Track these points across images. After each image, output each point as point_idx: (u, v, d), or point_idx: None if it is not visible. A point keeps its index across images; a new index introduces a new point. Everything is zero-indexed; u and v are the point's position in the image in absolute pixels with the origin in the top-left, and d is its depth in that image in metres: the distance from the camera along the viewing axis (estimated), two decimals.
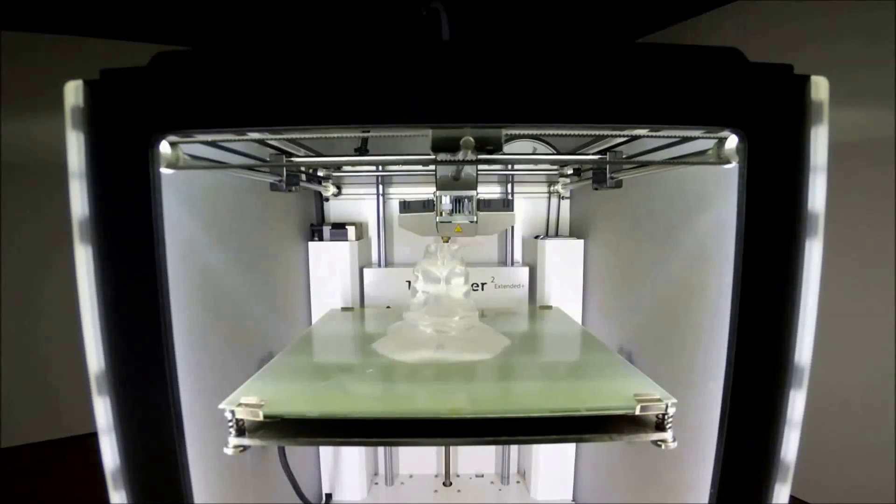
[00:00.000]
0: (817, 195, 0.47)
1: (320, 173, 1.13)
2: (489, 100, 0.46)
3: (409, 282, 0.95)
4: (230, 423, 0.53)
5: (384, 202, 1.25)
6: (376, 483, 1.31)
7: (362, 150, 1.07)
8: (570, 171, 1.12)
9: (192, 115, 0.46)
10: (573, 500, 1.23)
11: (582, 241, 1.16)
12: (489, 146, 0.55)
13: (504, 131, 0.57)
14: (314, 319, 1.14)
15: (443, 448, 1.28)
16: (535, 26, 1.70)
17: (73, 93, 0.44)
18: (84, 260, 0.46)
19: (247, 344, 0.82)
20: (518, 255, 1.29)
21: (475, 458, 1.35)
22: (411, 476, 1.35)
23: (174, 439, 0.48)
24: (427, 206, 0.79)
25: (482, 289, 1.21)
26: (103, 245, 0.46)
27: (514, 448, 1.33)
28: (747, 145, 0.46)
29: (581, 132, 0.63)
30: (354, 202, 1.27)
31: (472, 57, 0.46)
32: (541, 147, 1.11)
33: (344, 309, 1.13)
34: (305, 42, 0.46)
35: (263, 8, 1.57)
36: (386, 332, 0.83)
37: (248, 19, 1.65)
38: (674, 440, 0.53)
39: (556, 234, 1.25)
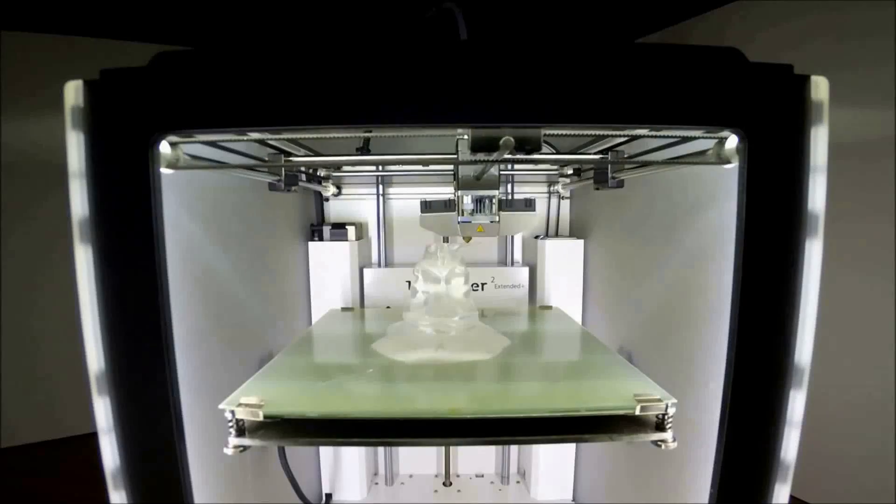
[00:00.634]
0: (817, 195, 0.47)
1: (320, 173, 1.13)
2: (487, 99, 0.46)
3: (409, 282, 0.95)
4: (230, 424, 0.53)
5: (384, 202, 1.25)
6: (376, 483, 1.31)
7: (364, 149, 1.07)
8: (570, 171, 1.12)
9: (192, 115, 0.46)
10: (573, 500, 1.23)
11: (582, 241, 1.16)
12: (528, 145, 0.54)
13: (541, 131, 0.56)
14: (314, 319, 1.14)
15: (443, 448, 1.28)
16: (534, 26, 1.70)
17: (73, 93, 0.44)
18: (84, 260, 0.46)
19: (247, 344, 0.82)
20: (518, 255, 1.29)
21: (475, 458, 1.35)
22: (411, 476, 1.35)
23: (174, 439, 0.48)
24: (448, 205, 0.79)
25: (482, 289, 1.21)
26: (103, 245, 0.46)
27: (514, 448, 1.33)
28: (747, 145, 0.46)
29: (581, 132, 0.63)
30: (354, 202, 1.27)
31: (492, 58, 0.46)
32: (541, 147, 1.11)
33: (344, 309, 1.13)
34: (306, 42, 0.46)
35: (263, 8, 1.57)
36: (386, 333, 0.83)
37: (248, 19, 1.65)
38: (674, 440, 0.53)
39: (556, 234, 1.25)
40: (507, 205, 0.78)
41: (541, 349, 0.86)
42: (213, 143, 0.64)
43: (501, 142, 0.50)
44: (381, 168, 1.16)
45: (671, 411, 0.53)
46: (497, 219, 0.75)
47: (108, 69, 0.45)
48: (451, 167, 1.05)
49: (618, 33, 1.75)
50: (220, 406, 0.53)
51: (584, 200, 1.20)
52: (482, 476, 1.34)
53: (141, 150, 0.45)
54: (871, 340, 1.23)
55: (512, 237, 1.27)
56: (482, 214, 0.75)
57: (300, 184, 1.03)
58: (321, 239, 1.16)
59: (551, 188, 1.25)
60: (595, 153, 0.82)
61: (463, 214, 0.75)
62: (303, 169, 1.00)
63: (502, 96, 0.46)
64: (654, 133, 0.65)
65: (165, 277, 0.47)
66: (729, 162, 0.54)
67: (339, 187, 1.24)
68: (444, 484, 1.29)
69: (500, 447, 1.32)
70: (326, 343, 0.89)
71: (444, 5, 0.82)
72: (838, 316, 1.22)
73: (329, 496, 1.23)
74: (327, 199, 1.27)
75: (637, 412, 0.52)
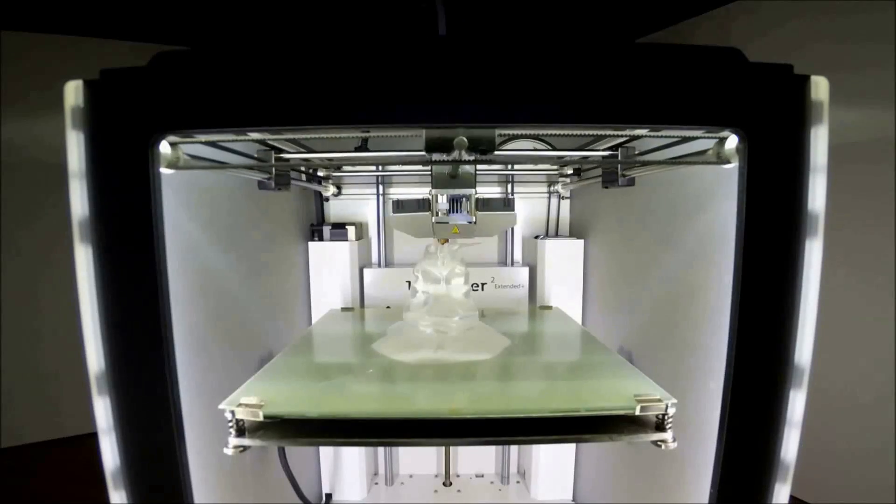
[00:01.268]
0: (817, 195, 0.47)
1: (320, 173, 1.13)
2: (485, 100, 0.46)
3: (409, 282, 0.95)
4: (230, 424, 0.53)
5: (384, 202, 1.25)
6: (376, 483, 1.31)
7: (362, 149, 1.07)
8: (570, 171, 1.12)
9: (192, 115, 0.46)
10: (573, 500, 1.23)
11: (582, 241, 1.16)
12: (482, 146, 0.54)
13: (500, 131, 0.56)
14: (314, 319, 1.14)
15: (443, 448, 1.28)
16: (535, 26, 1.70)
17: (73, 93, 0.44)
18: (84, 260, 0.46)
19: (247, 343, 0.82)
20: (518, 255, 1.29)
21: (475, 458, 1.35)
22: (411, 476, 1.34)
23: (174, 439, 0.48)
24: (422, 205, 0.74)
25: (482, 289, 1.21)
26: (103, 245, 0.46)
27: (514, 448, 1.33)
28: (747, 145, 0.46)
29: (581, 132, 0.63)
30: (354, 202, 1.27)
31: (469, 54, 0.46)
32: (540, 147, 1.11)
33: (344, 309, 1.13)
34: (306, 42, 0.46)
35: (263, 8, 1.57)
36: (386, 333, 0.83)
37: (248, 19, 1.65)
38: (674, 440, 0.53)
39: (556, 234, 1.25)
40: (483, 204, 0.73)
41: (541, 349, 0.86)
42: (212, 143, 0.64)
43: (455, 142, 0.49)
44: (380, 168, 1.16)
45: (671, 411, 0.52)
46: (474, 219, 0.70)
47: (108, 69, 0.45)
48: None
49: (618, 33, 1.75)
50: (221, 406, 0.53)
51: (584, 200, 1.20)
52: (482, 476, 1.34)
53: (141, 150, 0.45)
54: (871, 340, 1.23)
55: (512, 237, 1.27)
56: (458, 215, 0.70)
57: (300, 184, 1.03)
58: (321, 239, 1.16)
59: (551, 188, 1.25)
60: (604, 149, 0.82)
61: (438, 215, 0.70)
62: (302, 168, 1.00)
63: (503, 97, 0.46)
64: (654, 133, 0.65)
65: (165, 277, 0.47)
66: (729, 162, 0.54)
67: (339, 187, 1.24)
68: (444, 484, 1.29)
69: (500, 447, 1.32)
70: (326, 343, 0.89)
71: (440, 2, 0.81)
72: (838, 316, 1.22)
73: (329, 496, 1.23)
74: (327, 199, 1.27)
75: (637, 412, 0.52)
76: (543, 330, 0.95)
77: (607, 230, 1.07)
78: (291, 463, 0.90)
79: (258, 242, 0.91)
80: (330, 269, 1.16)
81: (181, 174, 0.57)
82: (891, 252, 1.18)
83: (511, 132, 0.77)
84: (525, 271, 1.22)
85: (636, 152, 0.79)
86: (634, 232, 0.92)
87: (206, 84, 0.46)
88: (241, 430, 0.53)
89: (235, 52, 0.46)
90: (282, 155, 0.80)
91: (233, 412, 0.53)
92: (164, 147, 0.52)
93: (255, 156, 0.79)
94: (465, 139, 0.51)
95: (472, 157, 0.57)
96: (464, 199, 0.70)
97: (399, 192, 1.26)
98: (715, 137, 0.55)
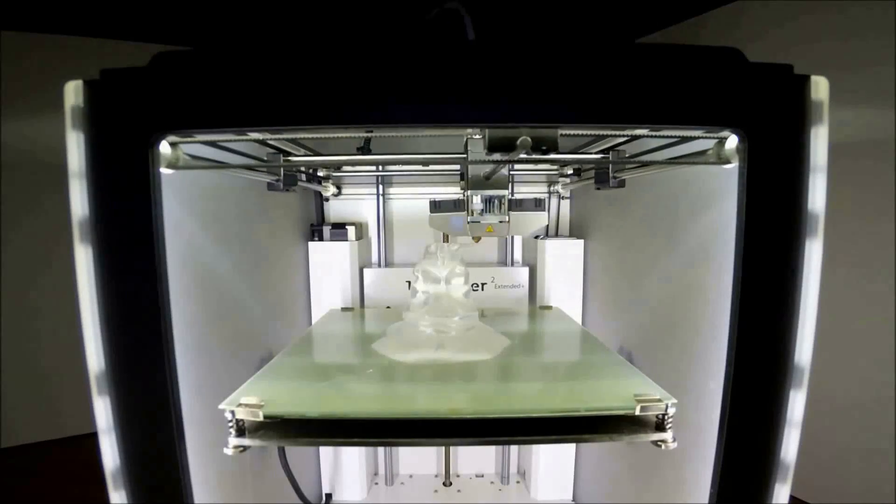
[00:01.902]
0: (817, 195, 0.47)
1: (320, 173, 1.13)
2: (486, 100, 0.46)
3: (409, 282, 0.95)
4: (230, 424, 0.53)
5: (384, 202, 1.25)
6: (376, 483, 1.31)
7: (364, 149, 1.07)
8: (570, 171, 1.12)
9: (191, 115, 0.46)
10: (573, 500, 1.23)
11: (582, 241, 1.16)
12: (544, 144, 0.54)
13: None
14: (314, 319, 1.14)
15: (443, 448, 1.28)
16: (534, 26, 1.70)
17: (73, 93, 0.44)
18: (84, 260, 0.46)
19: (247, 343, 0.82)
20: (518, 255, 1.29)
21: (475, 458, 1.35)
22: (411, 476, 1.34)
23: (174, 439, 0.48)
24: (458, 205, 0.80)
25: (482, 289, 1.21)
26: (103, 245, 0.46)
27: (514, 448, 1.33)
28: (747, 145, 0.46)
29: (581, 132, 0.63)
30: (354, 202, 1.27)
31: (474, 57, 0.46)
32: None
33: (344, 309, 1.13)
34: (306, 42, 0.46)
35: (263, 8, 1.57)
36: (386, 333, 0.83)
37: (248, 19, 1.65)
38: (674, 440, 0.53)
39: (556, 234, 1.25)
40: (516, 205, 0.79)
41: (541, 349, 0.86)
42: (212, 143, 0.64)
43: (519, 142, 0.50)
44: (381, 168, 1.16)
45: (671, 411, 0.52)
46: (507, 219, 0.76)
47: (108, 69, 0.45)
48: (452, 167, 1.05)
49: (618, 33, 1.75)
50: (221, 406, 0.53)
51: (584, 200, 1.20)
52: (482, 476, 1.34)
53: (141, 150, 0.45)
54: (871, 340, 1.23)
55: (512, 237, 1.27)
56: (491, 214, 0.75)
57: (300, 183, 1.03)
58: (321, 239, 1.16)
59: (551, 188, 1.25)
60: (596, 153, 0.82)
61: (472, 214, 0.75)
62: (303, 169, 1.00)
63: (504, 97, 0.46)
64: (654, 133, 0.65)
65: (165, 277, 0.47)
66: (729, 162, 0.54)
67: (339, 187, 1.24)
68: (444, 484, 1.29)
69: (500, 447, 1.32)
70: (326, 343, 0.89)
71: (447, 5, 0.81)
72: (838, 316, 1.22)
73: (329, 496, 1.23)
74: (327, 199, 1.27)
75: (637, 412, 0.52)
76: (543, 330, 0.95)
77: (607, 230, 1.07)
78: (291, 463, 0.90)
79: (258, 242, 0.91)
80: (330, 269, 1.16)
81: (181, 174, 0.57)
82: (891, 252, 1.18)
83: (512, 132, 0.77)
84: (525, 271, 1.23)
85: (627, 155, 0.80)
86: (634, 232, 0.92)
87: (205, 84, 0.46)
88: (241, 431, 0.53)
89: (235, 53, 0.46)
90: (290, 157, 0.80)
91: (233, 412, 0.53)
92: (164, 147, 0.52)
93: (259, 156, 0.79)
94: (528, 139, 0.51)
95: (488, 157, 0.58)
96: (497, 199, 0.74)
97: (399, 192, 1.26)
98: (715, 137, 0.55)
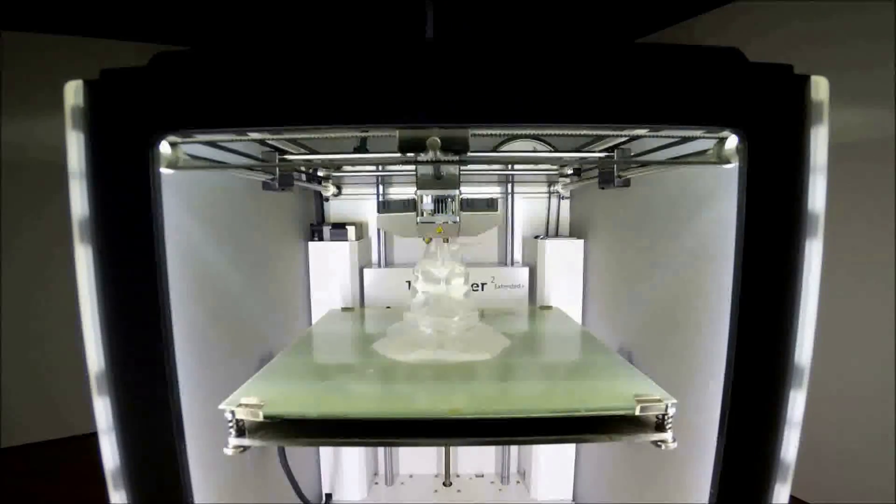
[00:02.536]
0: (817, 195, 0.47)
1: (320, 173, 1.13)
2: (488, 101, 0.46)
3: (409, 282, 0.95)
4: (230, 424, 0.53)
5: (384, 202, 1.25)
6: (376, 483, 1.31)
7: (361, 149, 1.07)
8: (569, 171, 1.12)
9: (191, 115, 0.46)
10: (573, 500, 1.23)
11: (582, 241, 1.16)
12: (456, 146, 0.55)
13: (502, 132, 0.56)
14: (314, 319, 1.14)
15: (443, 448, 1.28)
16: (534, 26, 1.70)
17: (73, 93, 0.44)
18: (84, 260, 0.46)
19: (247, 343, 0.82)
20: (518, 255, 1.29)
21: (475, 458, 1.35)
22: (411, 476, 1.34)
23: (174, 439, 0.48)
24: (408, 205, 0.77)
25: (482, 289, 1.21)
26: (103, 245, 0.46)
27: (514, 448, 1.33)
28: (747, 145, 0.46)
29: (581, 132, 0.63)
30: (354, 202, 1.27)
31: (475, 56, 0.46)
32: (540, 147, 1.11)
33: (344, 309, 1.13)
34: (305, 42, 0.46)
35: (263, 8, 1.57)
36: (386, 333, 0.83)
37: (248, 19, 1.65)
38: (674, 440, 0.53)
39: (556, 234, 1.25)
40: (467, 205, 0.76)
41: (541, 349, 0.86)
42: (212, 143, 0.64)
43: (428, 142, 0.50)
44: (380, 168, 1.16)
45: (671, 412, 0.52)
46: (458, 219, 0.74)
47: (108, 69, 0.45)
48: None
49: (618, 33, 1.75)
50: (221, 406, 0.53)
51: (584, 200, 1.20)
52: (482, 476, 1.34)
53: (141, 150, 0.45)
54: (871, 340, 1.23)
55: (512, 237, 1.27)
56: (442, 215, 0.74)
57: (300, 183, 1.03)
58: (321, 239, 1.16)
59: (551, 188, 1.25)
60: (600, 150, 0.82)
61: (423, 215, 0.74)
62: (302, 169, 1.00)
63: (506, 98, 0.46)
64: (654, 133, 0.65)
65: (165, 277, 0.47)
66: (729, 162, 0.54)
67: (339, 187, 1.24)
68: (444, 484, 1.29)
69: (500, 447, 1.32)
70: (326, 343, 0.89)
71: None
72: (838, 316, 1.22)
73: (329, 496, 1.23)
74: (327, 199, 1.27)
75: (637, 413, 0.52)
76: (543, 330, 0.95)
77: (607, 230, 1.07)
78: (291, 463, 0.90)
79: (258, 242, 0.91)
80: (330, 268, 1.16)
81: (181, 174, 0.57)
82: (891, 252, 1.18)
83: (512, 132, 0.77)
84: (525, 271, 1.22)
85: (631, 154, 0.79)
86: (635, 232, 0.92)
87: (205, 84, 0.46)
88: (242, 431, 0.53)
89: (234, 53, 0.46)
90: (286, 156, 0.80)
91: (233, 412, 0.52)
92: (164, 147, 0.52)
93: (257, 156, 0.79)
94: (437, 139, 0.51)
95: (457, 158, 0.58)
96: (448, 199, 0.72)
97: (399, 192, 1.26)
98: (715, 138, 0.55)
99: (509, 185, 1.24)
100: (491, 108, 0.46)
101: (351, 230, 1.16)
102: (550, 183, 1.25)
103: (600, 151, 0.82)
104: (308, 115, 0.46)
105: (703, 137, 0.58)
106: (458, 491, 1.27)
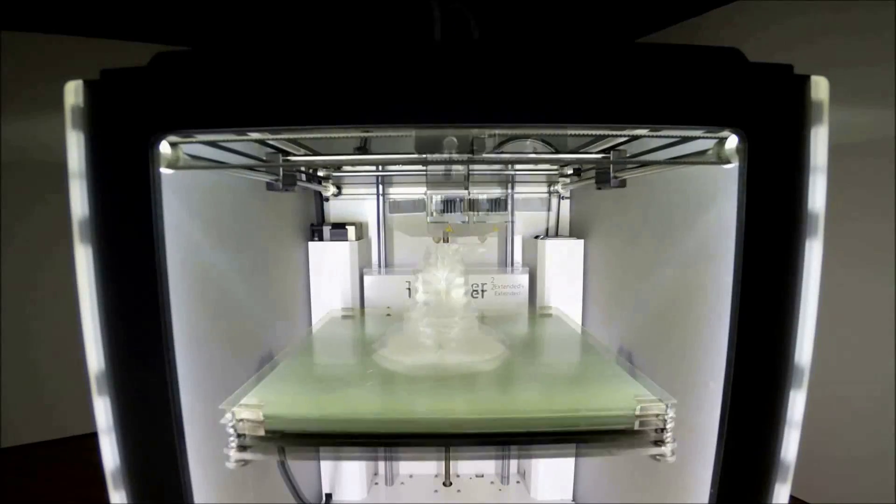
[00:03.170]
0: (817, 195, 0.47)
1: (320, 173, 1.13)
2: (489, 100, 0.46)
3: (409, 282, 0.94)
4: (231, 438, 0.53)
5: (384, 202, 1.25)
6: (376, 483, 1.31)
7: (363, 149, 1.07)
8: (570, 171, 1.12)
9: (191, 115, 0.46)
10: (573, 500, 1.23)
11: (582, 241, 1.16)
12: (464, 147, 0.55)
13: (502, 132, 0.56)
14: (314, 319, 1.14)
15: (442, 448, 1.28)
16: (534, 26, 1.70)
17: (73, 93, 0.44)
18: (84, 260, 0.46)
19: (247, 343, 0.82)
20: (518, 256, 1.29)
21: (475, 459, 1.35)
22: (411, 476, 1.34)
23: (174, 439, 0.48)
24: (418, 206, 0.79)
25: (482, 293, 1.21)
26: (103, 245, 0.46)
27: (513, 448, 1.33)
28: (747, 145, 0.46)
29: (581, 132, 0.63)
30: (354, 202, 1.27)
31: (473, 56, 0.46)
32: (540, 147, 1.11)
33: (344, 316, 1.12)
34: (305, 42, 0.46)
35: (263, 8, 1.57)
36: (386, 336, 0.83)
37: (248, 19, 1.65)
38: (672, 454, 0.53)
39: (556, 235, 1.25)
40: (476, 205, 0.78)
41: (540, 356, 0.86)
42: (212, 143, 0.64)
43: (444, 142, 0.50)
44: (381, 168, 1.16)
45: (670, 425, 0.53)
46: (467, 219, 0.75)
47: (108, 69, 0.45)
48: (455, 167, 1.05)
49: (618, 33, 1.75)
50: (222, 409, 0.53)
51: (584, 200, 1.20)
52: (482, 476, 1.34)
53: (141, 150, 0.45)
54: (871, 340, 1.23)
55: (512, 237, 1.27)
56: (452, 214, 0.74)
57: (300, 183, 1.03)
58: (321, 239, 1.16)
59: (551, 188, 1.25)
60: (597, 152, 0.82)
61: (432, 215, 0.74)
62: (302, 169, 1.00)
63: (507, 98, 0.46)
64: (654, 133, 0.65)
65: (165, 277, 0.47)
66: (729, 162, 0.54)
67: (339, 187, 1.24)
68: (444, 484, 1.29)
69: (499, 447, 1.32)
70: (326, 348, 0.89)
71: (452, 5, 0.81)
72: (838, 316, 1.22)
73: (329, 496, 1.23)
74: (327, 199, 1.26)
75: (636, 427, 0.52)
76: (543, 336, 0.95)
77: (608, 230, 1.07)
78: (291, 463, 0.90)
79: (258, 242, 0.91)
80: (330, 269, 1.16)
81: (181, 174, 0.57)
82: (891, 252, 1.18)
83: (512, 132, 0.77)
84: (525, 276, 1.22)
85: (628, 154, 0.79)
86: (635, 232, 0.92)
87: (205, 84, 0.46)
88: (244, 447, 0.54)
89: (235, 53, 0.46)
90: (289, 157, 0.80)
91: (234, 427, 0.53)
92: (165, 147, 0.52)
93: (259, 157, 0.79)
94: (454, 139, 0.51)
95: (464, 158, 0.58)
96: (457, 199, 0.73)
97: (399, 193, 1.26)
98: (715, 138, 0.55)
99: (509, 186, 1.24)
100: (493, 109, 0.46)
101: (351, 230, 1.16)
102: (550, 183, 1.25)
103: (597, 152, 0.82)
104: (316, 115, 0.46)
105: (703, 137, 0.58)
106: (458, 491, 1.27)
